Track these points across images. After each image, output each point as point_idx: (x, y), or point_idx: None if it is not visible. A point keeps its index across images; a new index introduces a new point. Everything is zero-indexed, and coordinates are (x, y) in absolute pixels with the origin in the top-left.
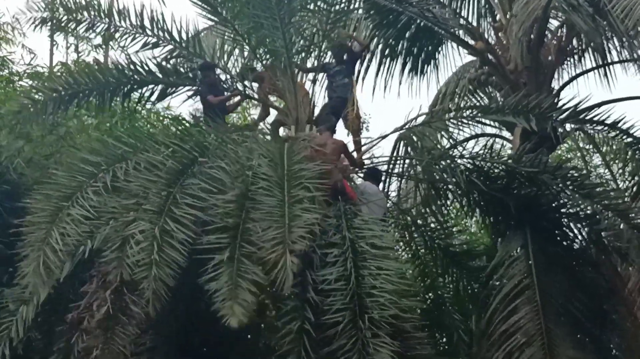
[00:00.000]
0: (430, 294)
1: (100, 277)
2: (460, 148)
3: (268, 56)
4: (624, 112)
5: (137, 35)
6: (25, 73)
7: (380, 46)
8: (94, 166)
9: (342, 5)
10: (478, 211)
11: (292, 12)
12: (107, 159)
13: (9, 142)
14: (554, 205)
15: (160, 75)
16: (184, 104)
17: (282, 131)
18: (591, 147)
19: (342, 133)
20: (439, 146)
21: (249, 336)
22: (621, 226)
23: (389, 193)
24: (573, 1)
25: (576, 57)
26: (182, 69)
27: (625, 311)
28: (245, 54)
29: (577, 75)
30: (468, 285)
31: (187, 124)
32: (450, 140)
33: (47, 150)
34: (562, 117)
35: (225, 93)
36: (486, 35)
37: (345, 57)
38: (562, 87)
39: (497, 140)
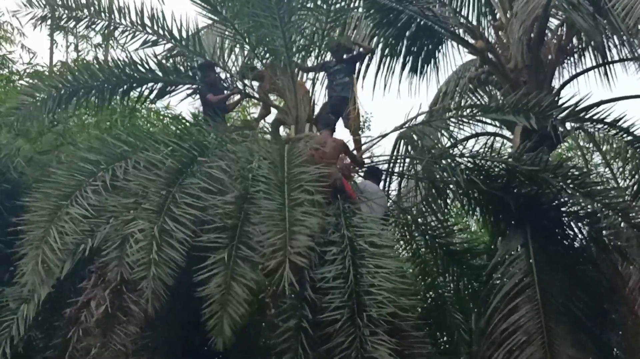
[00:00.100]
0: (430, 293)
1: (99, 275)
2: (460, 147)
3: (268, 55)
4: (624, 111)
5: (137, 32)
6: (25, 73)
7: (380, 45)
8: (93, 165)
9: (342, 4)
10: (478, 210)
11: (292, 11)
12: (107, 158)
13: (8, 141)
14: (554, 203)
15: (159, 74)
16: (183, 103)
17: (282, 130)
18: (591, 145)
19: (342, 132)
20: (439, 145)
21: (249, 335)
22: (621, 225)
23: (390, 192)
24: (573, 0)
25: (576, 55)
26: (181, 68)
27: (625, 310)
28: (245, 52)
29: (578, 74)
30: (468, 283)
31: (187, 123)
32: (451, 139)
33: (46, 147)
34: (562, 115)
35: (225, 92)
36: (486, 34)
37: (345, 56)
38: (562, 86)
39: (498, 138)
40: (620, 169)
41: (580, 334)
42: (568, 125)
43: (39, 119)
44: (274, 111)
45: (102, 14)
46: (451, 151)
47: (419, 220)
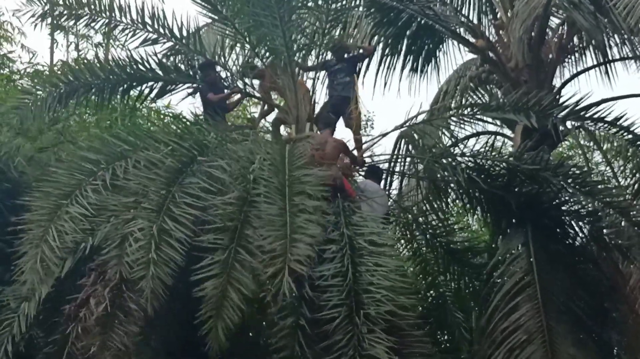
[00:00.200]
0: (431, 291)
1: (99, 273)
2: (461, 146)
3: (268, 54)
4: (625, 110)
5: (138, 31)
6: (26, 72)
7: (380, 44)
8: (93, 164)
9: (342, 2)
10: (479, 209)
11: (292, 10)
12: (107, 157)
13: (9, 139)
14: (555, 202)
15: (160, 72)
16: (184, 102)
17: (282, 129)
18: (592, 144)
19: (343, 131)
20: (440, 144)
21: (250, 334)
22: (622, 223)
23: (391, 191)
24: None
25: (577, 54)
26: (182, 66)
27: (626, 309)
28: (246, 51)
29: (578, 73)
30: (469, 282)
31: (187, 122)
32: (452, 138)
33: (46, 144)
34: (562, 114)
35: (225, 91)
36: (487, 33)
37: (345, 55)
38: (563, 85)
39: (499, 137)
40: (621, 168)
41: (581, 333)
42: (569, 124)
43: (39, 117)
44: (275, 110)
45: (103, 12)
46: (452, 150)
47: (420, 219)
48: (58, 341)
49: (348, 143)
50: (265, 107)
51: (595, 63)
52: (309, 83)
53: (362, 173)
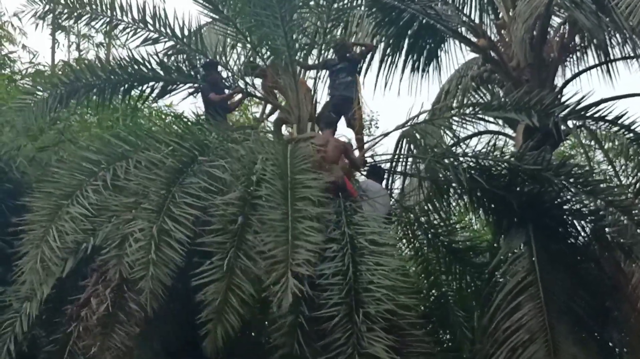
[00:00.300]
0: (433, 291)
1: (100, 273)
2: (463, 146)
3: (269, 54)
4: (626, 108)
5: (139, 30)
6: (27, 72)
7: (382, 43)
8: (94, 164)
9: (344, 2)
10: (481, 209)
11: (293, 9)
12: (108, 157)
13: (10, 139)
14: (556, 202)
15: (161, 72)
16: (185, 101)
17: (284, 129)
18: (594, 143)
19: (345, 131)
20: (441, 144)
21: (252, 334)
22: (624, 222)
23: (393, 190)
24: None
25: (579, 53)
26: (183, 66)
27: (628, 308)
28: (247, 51)
29: (580, 72)
30: (471, 281)
31: (188, 122)
32: (453, 138)
33: (46, 143)
34: (564, 113)
35: (226, 91)
36: (489, 32)
37: (348, 54)
38: (564, 84)
39: (500, 137)
40: (623, 167)
41: (583, 333)
42: (570, 123)
43: (40, 118)
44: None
45: (104, 11)
46: (454, 150)
47: (422, 218)
48: (60, 341)
49: (349, 143)
50: (269, 107)
51: (596, 62)
52: (310, 83)
53: (364, 173)
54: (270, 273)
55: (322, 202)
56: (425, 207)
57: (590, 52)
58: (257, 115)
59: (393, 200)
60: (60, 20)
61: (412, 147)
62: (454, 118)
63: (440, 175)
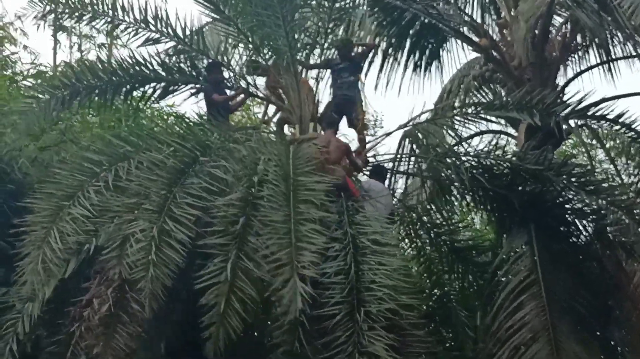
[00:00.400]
0: (436, 290)
1: (103, 274)
2: (465, 145)
3: (271, 54)
4: (627, 107)
5: (140, 30)
6: (28, 73)
7: (384, 43)
8: (96, 165)
9: (346, 1)
10: (483, 208)
11: (295, 9)
12: (110, 158)
13: (12, 140)
14: (558, 201)
15: (162, 73)
16: (187, 102)
17: (286, 129)
18: (595, 142)
19: (347, 132)
20: (443, 143)
21: (254, 334)
22: (626, 221)
23: (395, 190)
24: None
25: (580, 53)
26: (185, 67)
27: (630, 307)
28: (249, 51)
29: (582, 72)
30: (474, 280)
31: (190, 123)
32: (455, 137)
33: (48, 143)
34: (565, 112)
35: (227, 92)
36: (490, 32)
37: (350, 54)
38: (566, 83)
39: (503, 136)
40: (625, 165)
41: (585, 332)
42: (572, 122)
43: (42, 120)
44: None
45: (105, 11)
46: (456, 149)
47: (424, 218)
48: (62, 341)
49: (352, 143)
50: (274, 107)
51: (598, 61)
52: (311, 82)
53: (367, 173)
54: (274, 275)
55: (324, 204)
56: (428, 207)
57: (592, 51)
58: (260, 115)
59: (395, 199)
60: (61, 21)
61: (414, 146)
62: (456, 117)
63: (443, 175)
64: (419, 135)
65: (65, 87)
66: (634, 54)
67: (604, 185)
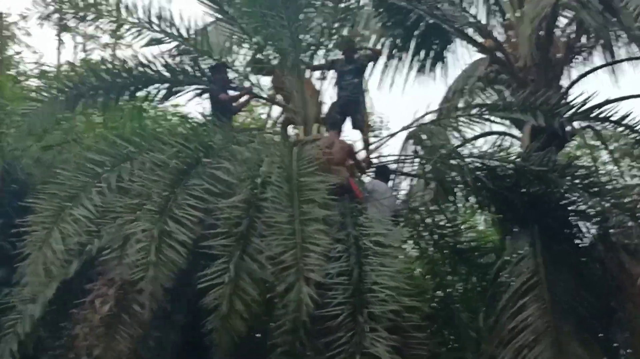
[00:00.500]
0: (439, 291)
1: (105, 275)
2: (469, 146)
3: (275, 54)
4: (631, 109)
5: (144, 30)
6: (32, 72)
7: (389, 44)
8: (98, 165)
9: (350, 2)
10: (486, 209)
11: (299, 9)
12: (112, 158)
13: (16, 140)
14: (562, 203)
15: (166, 74)
16: (191, 102)
17: (290, 129)
18: (599, 143)
19: (351, 133)
20: (448, 144)
21: (256, 334)
22: (629, 223)
23: (399, 191)
24: None
25: (585, 54)
26: (188, 68)
27: (632, 309)
28: (253, 51)
29: (586, 73)
30: (477, 282)
31: (194, 124)
32: (459, 139)
33: (51, 143)
34: (569, 113)
35: (230, 92)
36: (495, 33)
37: (355, 56)
38: (571, 85)
39: (507, 138)
40: (628, 167)
41: (587, 333)
42: (576, 124)
43: (46, 121)
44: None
45: (109, 12)
46: (460, 150)
47: (428, 219)
48: (65, 343)
49: (355, 144)
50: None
51: (602, 63)
52: (316, 83)
53: (371, 174)
54: (279, 277)
55: (328, 205)
56: (431, 208)
57: (597, 52)
58: (264, 116)
59: (399, 200)
60: (65, 21)
61: (418, 147)
62: (461, 118)
63: (446, 176)
64: (423, 136)
65: (69, 89)
66: (638, 55)
67: (607, 186)
